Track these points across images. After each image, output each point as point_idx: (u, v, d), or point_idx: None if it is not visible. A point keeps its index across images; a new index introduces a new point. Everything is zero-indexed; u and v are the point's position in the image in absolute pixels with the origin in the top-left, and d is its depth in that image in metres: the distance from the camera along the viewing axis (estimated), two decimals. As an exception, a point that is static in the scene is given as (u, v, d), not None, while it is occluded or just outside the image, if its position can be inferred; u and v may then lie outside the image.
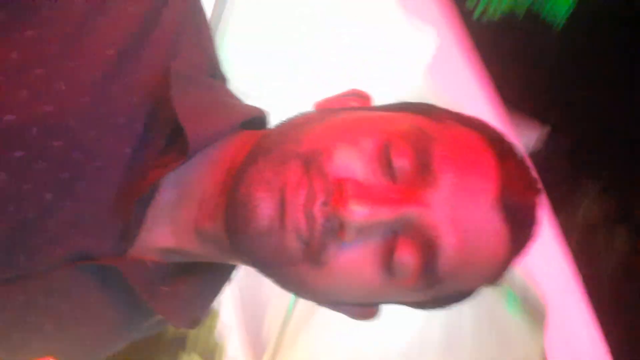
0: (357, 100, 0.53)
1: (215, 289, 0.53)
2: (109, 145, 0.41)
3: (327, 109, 0.51)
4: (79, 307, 0.45)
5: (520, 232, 0.45)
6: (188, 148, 0.42)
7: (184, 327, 0.48)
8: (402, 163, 0.43)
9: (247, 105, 0.52)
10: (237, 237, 0.42)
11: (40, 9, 0.39)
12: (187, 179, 0.47)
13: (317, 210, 0.40)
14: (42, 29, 0.39)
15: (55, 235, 0.41)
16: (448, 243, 0.42)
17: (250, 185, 0.41)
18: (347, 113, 0.48)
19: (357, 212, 0.40)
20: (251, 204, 0.41)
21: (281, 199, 0.40)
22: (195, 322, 0.51)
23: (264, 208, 0.40)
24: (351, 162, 0.42)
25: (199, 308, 0.51)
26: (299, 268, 0.42)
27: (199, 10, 0.50)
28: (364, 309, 0.51)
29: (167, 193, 0.46)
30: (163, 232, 0.47)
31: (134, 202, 0.42)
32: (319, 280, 0.43)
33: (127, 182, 0.42)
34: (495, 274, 0.47)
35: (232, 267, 0.53)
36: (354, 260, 0.42)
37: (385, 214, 0.41)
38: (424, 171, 0.42)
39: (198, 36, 0.49)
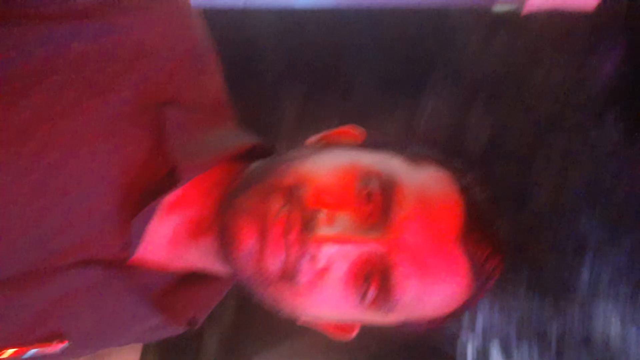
0: (350, 136, 0.59)
1: (215, 296, 0.59)
2: (113, 172, 0.48)
3: (315, 146, 0.58)
4: (86, 302, 0.51)
5: (480, 267, 0.51)
6: (179, 180, 0.48)
7: (179, 326, 0.55)
8: (371, 200, 0.49)
9: (244, 138, 0.58)
10: (225, 257, 0.49)
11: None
12: (187, 199, 0.53)
13: (293, 238, 0.47)
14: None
15: (67, 241, 0.47)
16: (401, 273, 0.49)
17: (236, 212, 0.48)
18: (330, 150, 0.55)
19: (326, 247, 0.47)
20: (236, 229, 0.47)
21: (263, 227, 0.47)
22: (192, 323, 0.58)
23: (247, 233, 0.47)
24: (327, 196, 0.49)
25: (197, 311, 0.57)
26: (277, 287, 0.49)
27: (206, 54, 0.55)
28: (342, 326, 0.58)
29: (170, 210, 0.52)
30: (165, 244, 0.53)
31: (132, 220, 0.48)
32: (295, 298, 0.50)
33: (128, 203, 0.48)
34: (457, 302, 0.53)
35: (234, 276, 0.58)
36: (326, 282, 0.49)
37: (350, 249, 0.48)
38: (387, 209, 0.49)
39: (201, 79, 0.54)
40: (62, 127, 0.45)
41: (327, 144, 0.58)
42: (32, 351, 0.50)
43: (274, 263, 0.47)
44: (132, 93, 0.47)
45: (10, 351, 0.49)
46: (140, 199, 0.48)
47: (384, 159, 0.53)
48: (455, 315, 0.54)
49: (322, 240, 0.47)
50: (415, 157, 0.54)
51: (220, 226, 0.49)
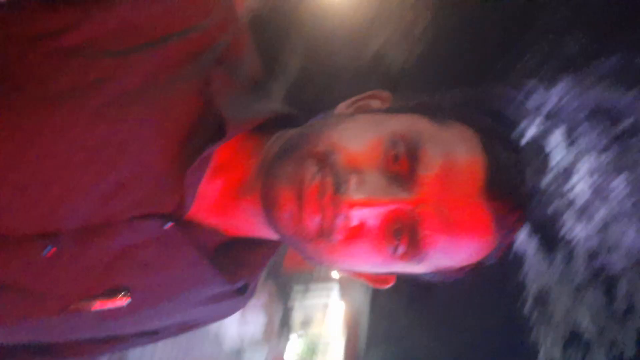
0: (378, 100, 0.63)
1: (262, 261, 0.63)
2: (167, 128, 0.52)
3: (345, 113, 0.62)
4: (147, 256, 0.55)
5: (502, 220, 0.54)
6: (226, 131, 0.52)
7: (232, 284, 0.59)
8: (398, 161, 0.53)
9: (279, 106, 0.62)
10: (268, 219, 0.53)
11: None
12: (230, 162, 0.58)
13: (327, 200, 0.51)
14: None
15: (128, 195, 0.51)
16: (428, 225, 0.52)
17: (275, 178, 0.52)
18: (359, 116, 0.59)
19: (360, 211, 0.51)
20: (275, 194, 0.52)
21: (299, 191, 0.51)
22: (243, 289, 0.62)
23: (285, 198, 0.51)
24: (357, 160, 0.53)
25: (247, 274, 0.61)
26: (315, 244, 0.53)
27: (244, 32, 0.60)
28: (379, 277, 0.63)
29: (216, 172, 0.57)
30: (215, 204, 0.58)
31: (185, 171, 0.51)
32: (332, 253, 0.54)
33: (182, 159, 0.52)
34: (481, 252, 0.56)
35: (278, 243, 0.63)
36: (360, 239, 0.53)
37: (380, 209, 0.52)
38: (413, 169, 0.52)
39: (240, 52, 0.59)
40: (124, 85, 0.49)
41: (357, 110, 0.62)
42: (100, 307, 0.54)
43: (311, 223, 0.51)
44: (183, 57, 0.52)
45: (78, 304, 0.54)
46: (192, 154, 0.52)
47: (411, 121, 0.56)
48: (482, 264, 0.58)
49: (353, 204, 0.51)
50: (441, 118, 0.57)
51: (262, 191, 0.53)
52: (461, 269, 0.58)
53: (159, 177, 0.51)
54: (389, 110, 0.60)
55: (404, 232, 0.53)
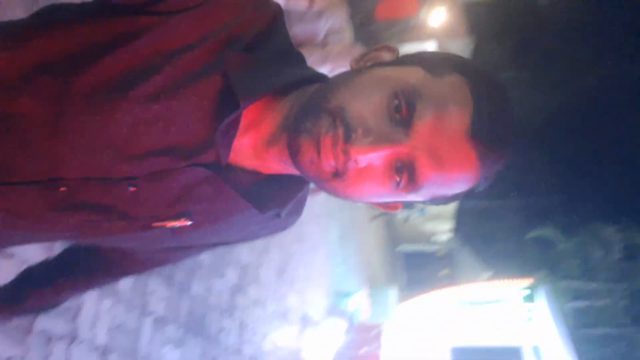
0: (387, 52, 0.74)
1: (291, 194, 0.78)
2: (203, 105, 0.67)
3: (355, 69, 0.74)
4: (201, 192, 0.72)
5: (485, 157, 0.65)
6: (239, 104, 0.66)
7: (264, 210, 0.74)
8: (398, 111, 0.65)
9: (299, 72, 0.76)
10: (293, 162, 0.68)
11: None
12: (260, 121, 0.73)
13: (339, 149, 0.64)
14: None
15: (181, 151, 0.67)
16: (422, 164, 0.65)
17: (298, 131, 0.66)
18: (367, 73, 0.70)
19: (365, 156, 0.64)
20: (297, 145, 0.65)
21: (316, 142, 0.64)
22: (278, 215, 0.78)
23: (306, 147, 0.65)
24: (364, 113, 0.65)
25: (277, 204, 0.76)
26: (332, 182, 0.67)
27: (277, 17, 0.75)
28: (388, 204, 0.77)
29: (248, 128, 0.72)
30: (250, 152, 0.74)
31: (217, 129, 0.67)
32: (346, 189, 0.68)
33: (215, 125, 0.67)
34: (469, 183, 0.68)
35: (307, 181, 0.78)
36: (368, 177, 0.66)
37: (382, 153, 0.64)
38: (410, 117, 0.64)
39: (269, 34, 0.73)
40: (170, 76, 0.64)
41: (367, 62, 0.74)
42: (172, 225, 0.74)
43: (327, 167, 0.65)
44: (217, 49, 0.67)
45: (158, 223, 0.73)
46: (219, 122, 0.66)
47: (411, 74, 0.67)
48: (473, 191, 0.70)
49: (361, 151, 0.63)
50: (438, 69, 0.67)
51: (287, 143, 0.67)
52: (454, 195, 0.71)
53: (200, 139, 0.67)
54: (395, 63, 0.71)
55: (404, 170, 0.65)
